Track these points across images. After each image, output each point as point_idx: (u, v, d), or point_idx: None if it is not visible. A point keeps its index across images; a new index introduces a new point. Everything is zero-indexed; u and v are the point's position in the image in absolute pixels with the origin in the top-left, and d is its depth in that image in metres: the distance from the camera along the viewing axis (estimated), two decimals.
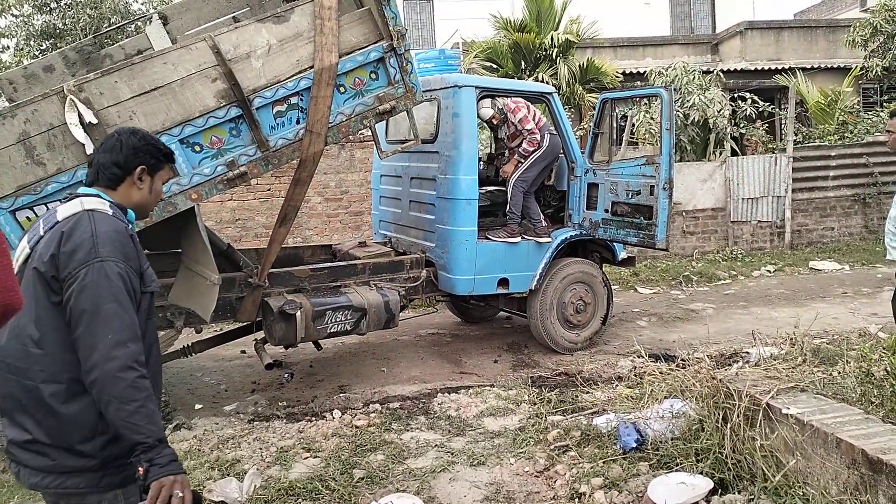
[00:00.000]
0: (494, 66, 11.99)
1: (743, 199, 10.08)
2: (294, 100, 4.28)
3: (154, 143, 2.07)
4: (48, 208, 3.28)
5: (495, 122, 6.17)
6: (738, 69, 13.82)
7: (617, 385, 4.81)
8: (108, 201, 1.94)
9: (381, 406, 4.75)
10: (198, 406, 5.19)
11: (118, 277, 1.79)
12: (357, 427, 4.29)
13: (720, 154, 10.39)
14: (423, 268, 5.72)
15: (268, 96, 4.16)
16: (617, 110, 5.84)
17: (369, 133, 5.17)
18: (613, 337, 6.56)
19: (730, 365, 4.46)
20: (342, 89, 4.43)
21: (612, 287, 6.46)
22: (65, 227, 1.82)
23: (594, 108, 12.10)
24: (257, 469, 3.67)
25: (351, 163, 9.40)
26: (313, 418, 4.58)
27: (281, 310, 4.80)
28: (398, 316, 5.35)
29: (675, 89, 9.88)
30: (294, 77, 4.20)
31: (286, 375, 5.52)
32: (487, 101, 5.97)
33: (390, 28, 4.35)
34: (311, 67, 4.22)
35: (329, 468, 3.71)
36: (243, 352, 6.50)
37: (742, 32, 15.23)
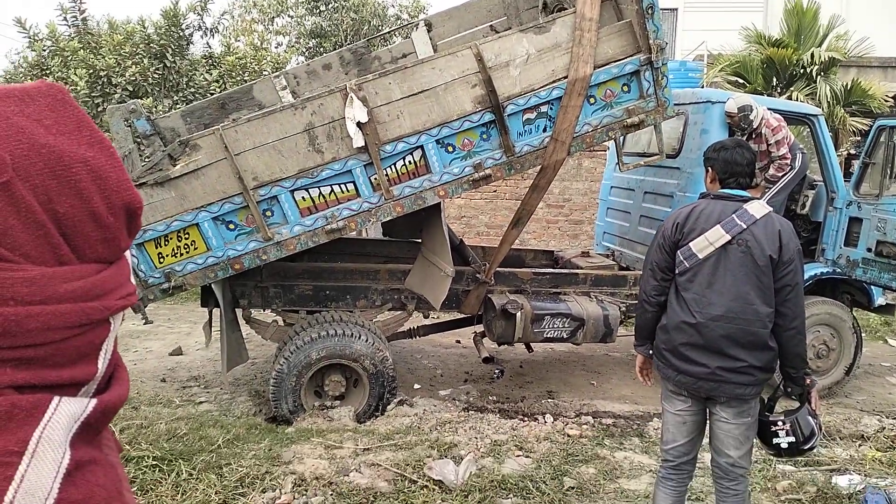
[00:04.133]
0: (742, 81, 11.24)
1: None
2: (544, 108, 4.38)
3: None
4: None
5: (733, 123, 5.36)
6: None
7: (861, 444, 4.30)
8: None
9: (593, 419, 4.72)
10: (416, 386, 5.56)
11: None
12: (569, 435, 4.30)
13: None
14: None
15: (520, 104, 4.31)
16: (894, 139, 5.15)
17: (605, 143, 5.13)
18: (856, 390, 5.85)
19: None
20: (592, 100, 4.45)
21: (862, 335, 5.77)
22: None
23: (856, 134, 10.95)
24: (473, 456, 3.84)
25: (578, 171, 9.41)
26: (525, 418, 4.68)
27: (503, 308, 4.96)
28: (616, 332, 5.26)
29: None
30: (547, 86, 4.31)
31: (497, 371, 5.69)
32: (743, 99, 5.36)
33: (650, 41, 4.29)
34: (565, 77, 4.30)
35: (540, 470, 3.77)
36: (458, 342, 6.82)
37: None
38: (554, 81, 4.33)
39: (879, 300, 5.75)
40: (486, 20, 5.80)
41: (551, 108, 4.38)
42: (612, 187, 6.75)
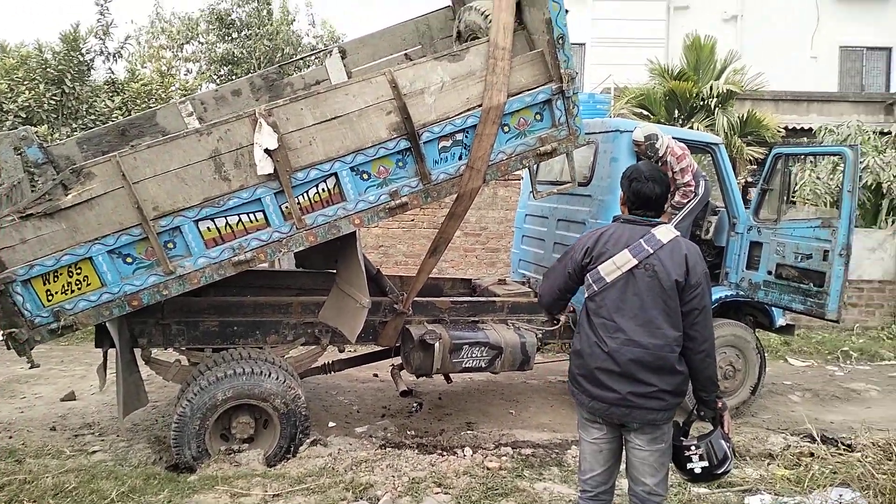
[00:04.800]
0: (646, 112, 11.73)
1: None
2: (459, 136, 4.36)
3: None
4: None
5: (640, 151, 5.50)
6: None
7: (769, 463, 4.42)
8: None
9: (512, 450, 4.64)
10: (331, 424, 5.34)
11: None
12: (489, 468, 4.21)
13: (893, 223, 9.49)
14: (564, 312, 5.58)
15: (436, 131, 4.26)
16: (790, 167, 5.44)
17: (519, 172, 5.16)
18: (762, 409, 6.07)
19: None
20: (506, 129, 4.46)
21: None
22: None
23: (752, 162, 11.59)
24: (390, 497, 3.68)
25: (493, 200, 9.49)
26: (444, 452, 4.56)
27: (421, 339, 4.85)
28: (533, 359, 5.23)
29: None
30: (463, 114, 4.29)
31: (416, 405, 5.57)
32: (649, 128, 5.53)
33: (561, 71, 4.35)
34: (480, 106, 4.30)
35: None
36: (376, 375, 6.64)
37: None
38: (469, 109, 4.32)
39: (780, 321, 6.02)
40: (401, 48, 5.78)
41: (467, 136, 4.36)
42: (526, 215, 6.81)
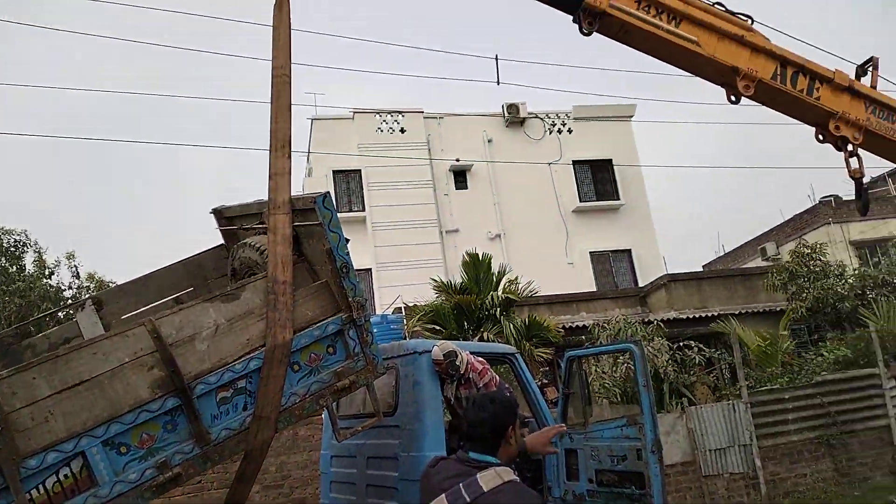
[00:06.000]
0: (438, 327, 11.98)
1: (710, 450, 9.64)
2: (241, 383, 3.79)
3: None
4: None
5: (441, 370, 5.25)
6: (670, 319, 14.33)
7: None
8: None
9: None
10: None
11: None
12: None
13: (677, 405, 10.18)
14: None
15: (212, 382, 3.66)
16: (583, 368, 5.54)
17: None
18: None
19: None
20: (296, 367, 4.00)
21: None
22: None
23: (543, 364, 12.13)
24: None
25: (294, 442, 8.60)
26: None
27: None
28: None
29: (619, 341, 9.92)
30: (243, 358, 3.77)
31: None
32: (447, 346, 5.27)
33: (350, 299, 4.10)
34: (263, 346, 3.83)
35: None
36: None
37: (666, 285, 16.15)
38: (251, 351, 3.82)
39: None
40: (171, 293, 5.23)
41: (250, 383, 3.80)
42: (332, 457, 6.11)
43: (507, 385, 5.84)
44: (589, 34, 5.19)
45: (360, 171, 19.57)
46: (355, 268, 4.23)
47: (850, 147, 5.42)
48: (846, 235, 21.95)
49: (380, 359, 4.31)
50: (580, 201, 20.91)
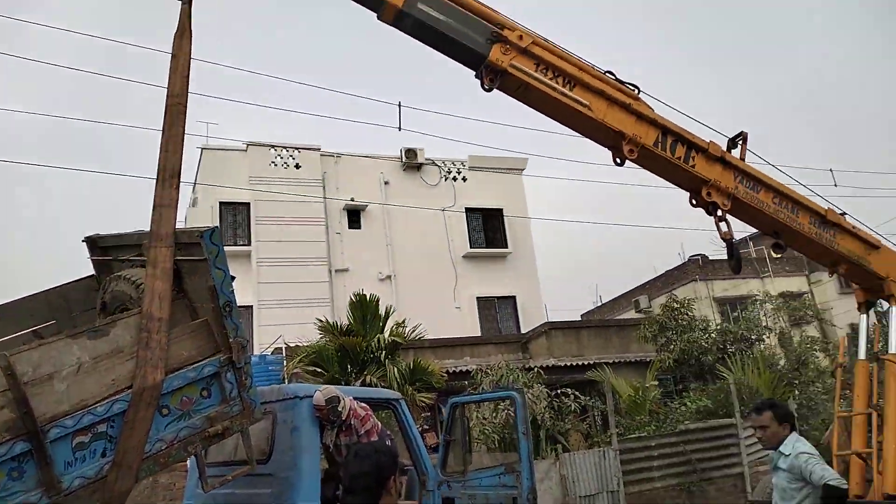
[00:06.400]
0: (320, 369, 11.70)
1: (580, 496, 9.93)
2: (102, 427, 3.52)
3: None
4: None
5: (323, 416, 5.11)
6: (549, 365, 14.79)
7: None
8: None
9: None
10: None
11: None
12: None
13: (551, 451, 10.44)
14: None
15: (69, 425, 3.38)
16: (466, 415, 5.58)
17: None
18: None
19: None
20: (165, 411, 3.77)
21: None
22: None
23: (426, 409, 12.08)
24: None
25: (153, 490, 8.03)
26: None
27: None
28: None
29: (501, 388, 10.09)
30: (107, 400, 3.51)
31: None
32: (330, 391, 5.14)
33: (230, 340, 3.93)
34: (130, 387, 3.58)
35: None
36: None
37: (546, 332, 16.69)
38: (116, 393, 3.56)
39: None
40: (28, 325, 4.80)
41: (112, 427, 3.54)
42: None
43: (388, 432, 5.77)
44: (490, 90, 5.40)
45: (248, 203, 19.05)
46: (238, 307, 4.08)
47: (719, 212, 5.87)
48: (711, 292, 23.73)
49: (258, 403, 4.15)
50: (470, 247, 21.35)
